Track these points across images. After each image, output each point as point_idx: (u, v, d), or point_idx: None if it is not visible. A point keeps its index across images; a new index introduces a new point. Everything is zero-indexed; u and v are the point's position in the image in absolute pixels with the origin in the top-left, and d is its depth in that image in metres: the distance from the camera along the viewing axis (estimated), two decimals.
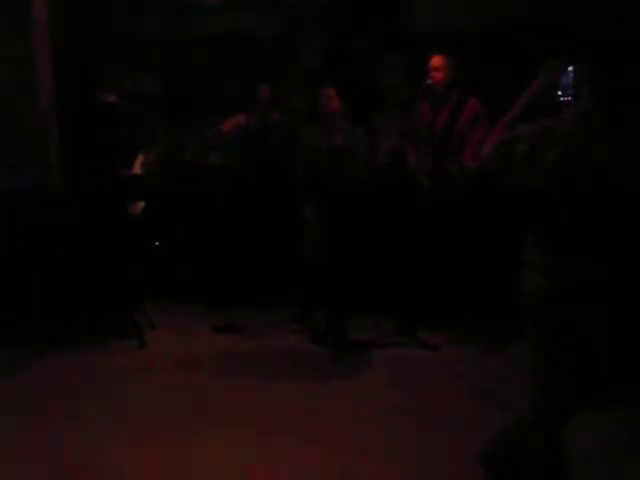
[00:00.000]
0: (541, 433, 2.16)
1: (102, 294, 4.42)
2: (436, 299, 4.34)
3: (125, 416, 3.30)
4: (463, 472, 2.68)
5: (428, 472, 2.79)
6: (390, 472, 2.81)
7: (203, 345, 4.32)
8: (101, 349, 4.21)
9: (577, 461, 2.25)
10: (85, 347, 4.22)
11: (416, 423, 3.22)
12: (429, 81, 4.20)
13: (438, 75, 4.18)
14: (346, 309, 4.43)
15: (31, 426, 3.19)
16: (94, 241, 4.34)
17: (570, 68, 2.11)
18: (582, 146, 1.96)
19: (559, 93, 2.35)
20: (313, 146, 4.39)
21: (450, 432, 3.11)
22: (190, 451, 2.95)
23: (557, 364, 2.06)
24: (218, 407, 3.40)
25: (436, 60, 4.20)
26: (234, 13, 5.54)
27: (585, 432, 2.77)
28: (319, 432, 3.12)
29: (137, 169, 4.52)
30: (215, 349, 4.25)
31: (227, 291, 4.80)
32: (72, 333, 4.31)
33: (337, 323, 4.37)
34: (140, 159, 4.55)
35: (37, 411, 3.36)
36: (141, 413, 3.33)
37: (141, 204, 4.43)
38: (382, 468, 2.83)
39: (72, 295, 4.37)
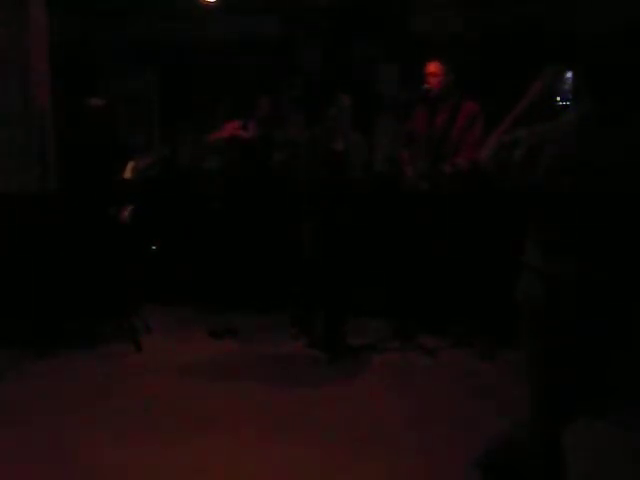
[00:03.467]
0: (540, 436, 2.15)
1: (98, 297, 4.41)
2: (434, 303, 4.34)
3: (120, 420, 3.27)
4: (461, 475, 2.68)
5: (427, 474, 2.79)
6: (388, 475, 2.80)
7: (200, 349, 4.30)
8: (96, 353, 4.19)
9: (575, 462, 2.26)
10: (81, 350, 4.19)
11: (414, 427, 3.22)
12: (426, 86, 4.24)
13: (434, 81, 4.23)
14: (344, 313, 4.42)
15: (27, 428, 3.17)
16: (90, 244, 4.32)
17: (569, 73, 2.12)
18: (580, 148, 1.97)
19: (558, 98, 2.36)
20: (313, 150, 4.39)
21: (448, 435, 3.10)
22: (187, 455, 2.94)
23: (557, 367, 2.06)
24: (214, 411, 3.39)
25: (432, 66, 4.25)
26: (233, 16, 5.55)
27: (583, 433, 2.77)
28: (316, 436, 3.11)
29: (128, 174, 4.51)
30: (212, 353, 4.24)
31: (225, 295, 4.79)
32: (68, 336, 4.30)
33: (335, 327, 4.36)
34: (132, 165, 4.54)
35: (33, 413, 3.35)
36: (135, 417, 3.31)
37: (129, 209, 4.40)
38: (380, 471, 2.82)
39: (68, 298, 4.35)
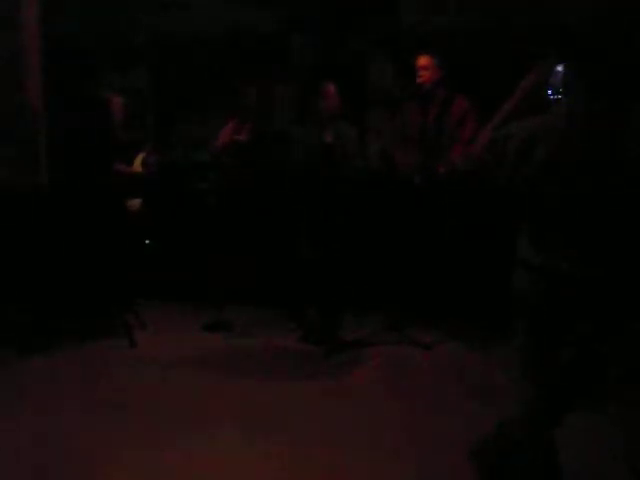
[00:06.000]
0: (533, 432, 2.16)
1: (92, 293, 4.40)
2: (427, 297, 4.35)
3: (113, 415, 3.27)
4: (455, 469, 2.69)
5: (421, 470, 2.79)
6: (381, 471, 2.80)
7: (194, 343, 4.30)
8: (91, 348, 4.19)
9: (572, 461, 2.26)
10: (75, 346, 4.19)
11: (407, 421, 3.22)
12: (418, 80, 4.25)
13: (425, 74, 4.24)
14: (337, 307, 4.43)
15: (22, 424, 3.17)
16: (85, 240, 4.31)
17: (560, 67, 2.13)
18: (570, 143, 1.98)
19: (549, 92, 2.38)
20: (306, 144, 4.38)
21: (442, 430, 3.11)
22: (182, 450, 2.93)
23: (549, 363, 2.06)
24: (208, 405, 3.39)
25: (423, 60, 4.26)
26: (227, 10, 5.53)
27: (581, 432, 2.79)
28: (309, 431, 3.11)
29: (138, 167, 4.53)
30: (205, 347, 4.24)
31: (219, 289, 4.78)
32: (62, 332, 4.29)
33: (328, 321, 4.37)
34: (141, 157, 4.55)
35: (27, 409, 3.34)
36: (131, 412, 3.31)
37: (137, 201, 4.43)
38: (373, 467, 2.82)
39: (62, 294, 4.34)
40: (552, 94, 2.20)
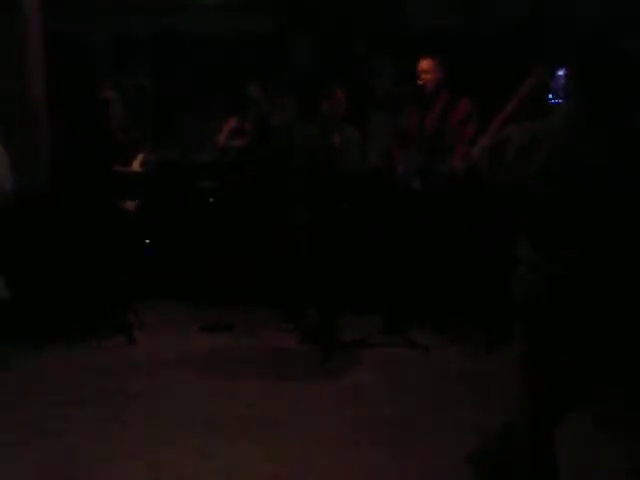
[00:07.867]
0: (531, 434, 2.16)
1: (92, 292, 4.40)
2: (427, 298, 4.36)
3: (113, 415, 3.28)
4: (455, 469, 2.70)
5: (421, 470, 2.80)
6: (377, 472, 2.81)
7: (192, 344, 4.30)
8: (90, 348, 4.18)
9: (572, 461, 2.28)
10: (74, 345, 4.19)
11: (404, 423, 3.23)
12: (420, 82, 4.26)
13: (427, 77, 4.26)
14: (336, 308, 4.44)
15: (22, 424, 3.17)
16: (84, 240, 4.32)
17: (561, 72, 2.15)
18: (568, 146, 1.99)
19: (550, 96, 2.39)
20: (310, 146, 4.39)
21: (442, 430, 3.12)
22: (179, 448, 2.94)
23: (550, 364, 2.07)
24: (207, 404, 3.40)
25: (425, 63, 4.27)
26: (227, 12, 5.55)
27: (581, 432, 2.80)
28: (308, 430, 3.12)
29: (136, 167, 4.52)
30: (204, 348, 4.24)
31: (219, 289, 4.79)
32: (61, 331, 4.29)
33: (327, 323, 4.38)
34: (141, 157, 4.54)
35: (26, 409, 3.35)
36: (130, 411, 3.32)
37: (134, 202, 4.42)
38: (373, 467, 2.84)
39: (61, 293, 4.35)
40: (554, 98, 2.21)
